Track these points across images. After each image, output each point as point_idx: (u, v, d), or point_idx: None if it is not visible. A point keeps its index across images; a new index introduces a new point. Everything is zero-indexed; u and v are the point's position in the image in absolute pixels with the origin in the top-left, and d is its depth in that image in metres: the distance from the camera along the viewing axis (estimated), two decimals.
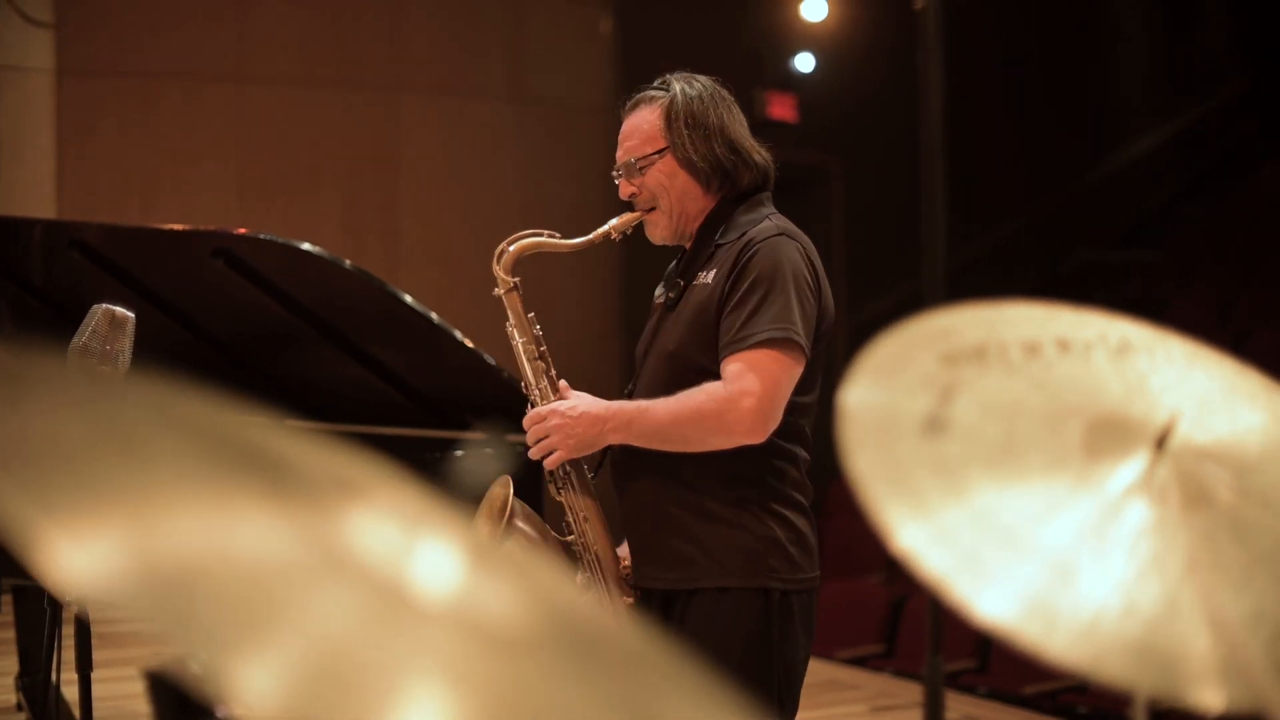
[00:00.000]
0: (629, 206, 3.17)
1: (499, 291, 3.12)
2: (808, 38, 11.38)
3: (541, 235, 3.12)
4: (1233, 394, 1.52)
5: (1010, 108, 12.69)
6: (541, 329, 3.10)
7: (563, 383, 3.08)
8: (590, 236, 3.09)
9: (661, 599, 3.05)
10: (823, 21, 11.32)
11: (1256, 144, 12.87)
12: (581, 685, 0.85)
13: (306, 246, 3.88)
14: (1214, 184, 12.85)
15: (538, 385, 3.08)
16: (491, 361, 4.33)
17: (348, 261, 3.95)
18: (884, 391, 1.43)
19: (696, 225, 3.11)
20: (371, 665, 0.79)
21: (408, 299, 4.15)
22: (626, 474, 3.09)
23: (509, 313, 3.12)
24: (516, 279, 3.11)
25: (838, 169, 12.10)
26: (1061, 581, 1.33)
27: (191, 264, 4.06)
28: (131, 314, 2.85)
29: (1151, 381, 1.47)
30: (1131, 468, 1.38)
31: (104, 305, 2.86)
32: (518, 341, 3.11)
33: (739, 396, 2.87)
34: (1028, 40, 12.81)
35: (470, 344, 4.35)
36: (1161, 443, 1.40)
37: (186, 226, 4.08)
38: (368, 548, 0.88)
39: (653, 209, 3.11)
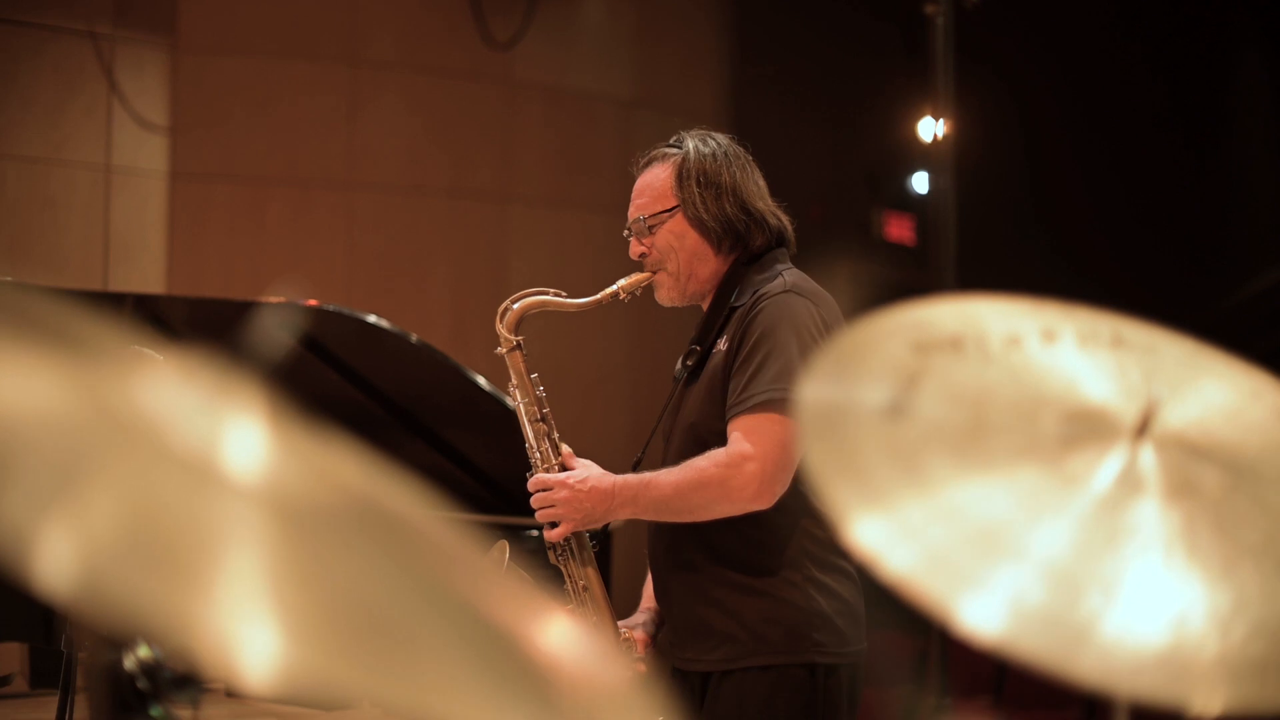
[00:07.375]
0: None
1: (501, 350, 3.08)
2: (925, 158, 11.29)
3: (547, 294, 3.08)
4: (1232, 391, 1.41)
5: (1131, 236, 12.52)
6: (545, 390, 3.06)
7: (566, 448, 3.02)
8: (598, 296, 3.04)
9: (701, 678, 2.95)
10: (940, 141, 11.25)
11: None
12: (379, 559, 0.81)
13: (372, 319, 3.86)
14: None
15: (539, 448, 3.04)
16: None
17: (414, 335, 3.93)
18: (844, 380, 1.35)
19: (706, 287, 3.04)
20: (180, 538, 0.77)
21: (479, 379, 4.11)
22: (661, 548, 3.02)
23: (510, 372, 3.09)
24: (520, 338, 3.07)
25: (956, 290, 11.98)
26: (1059, 587, 1.22)
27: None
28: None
29: (1138, 375, 1.37)
30: (1111, 458, 1.28)
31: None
32: (519, 402, 3.07)
33: (741, 461, 2.80)
34: (1155, 171, 12.67)
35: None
36: (1142, 431, 1.29)
37: (256, 298, 4.07)
38: (168, 421, 0.84)
39: (660, 270, 3.04)
